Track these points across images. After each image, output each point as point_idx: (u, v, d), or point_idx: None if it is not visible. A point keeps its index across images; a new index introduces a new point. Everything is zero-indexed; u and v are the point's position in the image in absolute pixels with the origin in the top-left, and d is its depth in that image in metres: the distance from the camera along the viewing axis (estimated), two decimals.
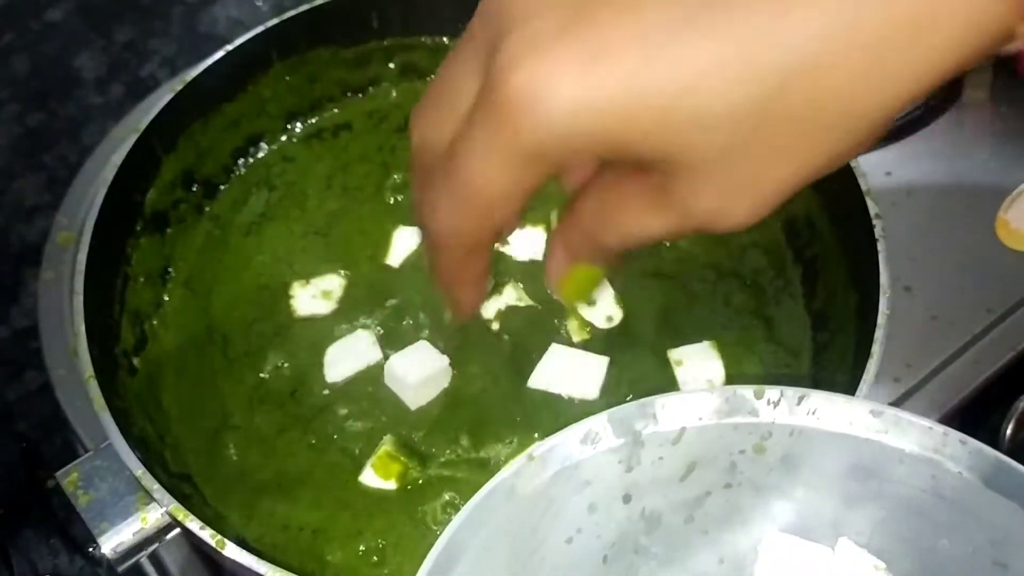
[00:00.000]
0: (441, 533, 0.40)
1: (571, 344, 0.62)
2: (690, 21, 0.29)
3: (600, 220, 0.36)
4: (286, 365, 0.63)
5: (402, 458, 0.58)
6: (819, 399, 0.43)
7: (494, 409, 0.60)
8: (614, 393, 0.60)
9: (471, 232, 0.35)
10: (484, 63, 0.32)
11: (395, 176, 0.71)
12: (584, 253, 0.38)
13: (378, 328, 0.63)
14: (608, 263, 0.39)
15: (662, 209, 0.34)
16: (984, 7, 0.28)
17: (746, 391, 0.43)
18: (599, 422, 0.42)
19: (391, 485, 0.58)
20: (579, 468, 0.42)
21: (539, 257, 0.66)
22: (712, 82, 0.29)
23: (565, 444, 0.42)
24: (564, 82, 0.30)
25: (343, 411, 0.60)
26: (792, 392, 0.43)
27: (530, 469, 0.41)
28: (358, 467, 0.58)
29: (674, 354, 0.62)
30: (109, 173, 0.61)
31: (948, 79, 0.30)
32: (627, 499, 0.44)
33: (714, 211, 0.33)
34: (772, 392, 0.43)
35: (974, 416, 0.66)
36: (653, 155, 0.31)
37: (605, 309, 0.63)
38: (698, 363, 0.61)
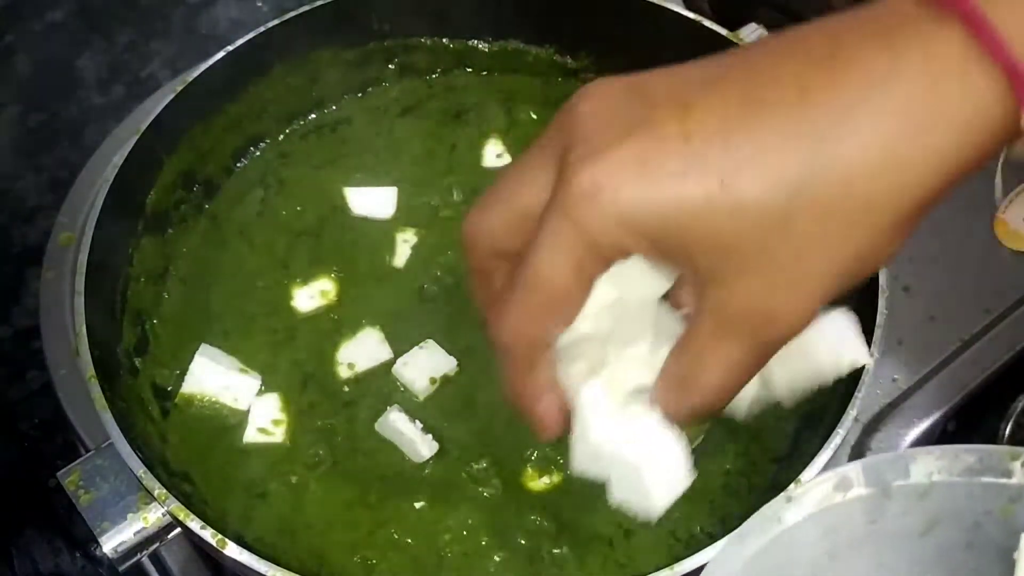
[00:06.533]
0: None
1: None
2: (726, 124, 0.33)
3: (684, 382, 0.38)
4: (287, 363, 0.63)
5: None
6: None
7: (502, 412, 0.60)
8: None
9: (536, 329, 0.38)
10: (555, 167, 0.36)
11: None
12: (680, 415, 0.39)
13: (385, 326, 0.63)
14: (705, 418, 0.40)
15: (728, 332, 0.36)
16: (983, 111, 0.32)
17: (1002, 452, 0.43)
18: (853, 470, 0.43)
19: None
20: (827, 513, 0.43)
21: None
22: (743, 181, 0.33)
23: (819, 488, 0.43)
24: (621, 180, 0.34)
25: (347, 410, 0.61)
26: None
27: (790, 512, 0.43)
28: (361, 466, 0.59)
29: None
30: (110, 174, 0.61)
31: (961, 176, 0.33)
32: (865, 551, 0.44)
33: (767, 313, 0.35)
34: None
35: (972, 416, 0.67)
36: (697, 253, 0.34)
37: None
38: None
